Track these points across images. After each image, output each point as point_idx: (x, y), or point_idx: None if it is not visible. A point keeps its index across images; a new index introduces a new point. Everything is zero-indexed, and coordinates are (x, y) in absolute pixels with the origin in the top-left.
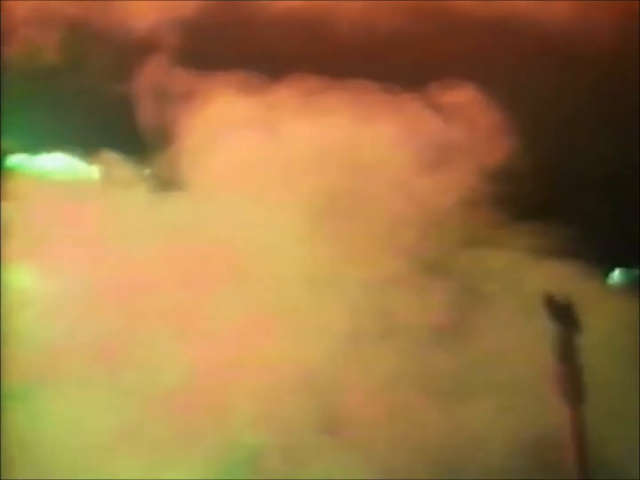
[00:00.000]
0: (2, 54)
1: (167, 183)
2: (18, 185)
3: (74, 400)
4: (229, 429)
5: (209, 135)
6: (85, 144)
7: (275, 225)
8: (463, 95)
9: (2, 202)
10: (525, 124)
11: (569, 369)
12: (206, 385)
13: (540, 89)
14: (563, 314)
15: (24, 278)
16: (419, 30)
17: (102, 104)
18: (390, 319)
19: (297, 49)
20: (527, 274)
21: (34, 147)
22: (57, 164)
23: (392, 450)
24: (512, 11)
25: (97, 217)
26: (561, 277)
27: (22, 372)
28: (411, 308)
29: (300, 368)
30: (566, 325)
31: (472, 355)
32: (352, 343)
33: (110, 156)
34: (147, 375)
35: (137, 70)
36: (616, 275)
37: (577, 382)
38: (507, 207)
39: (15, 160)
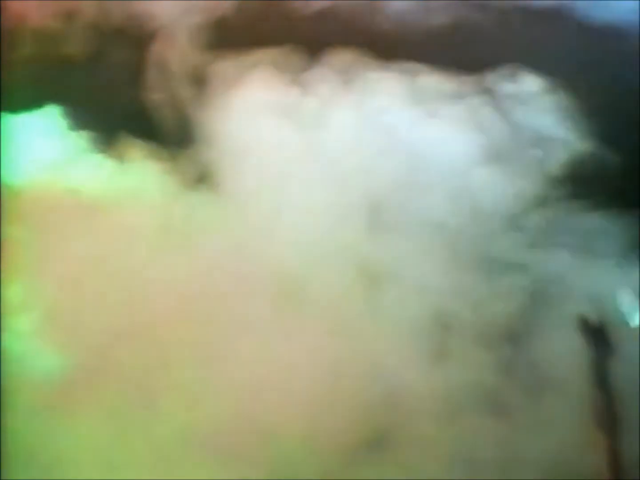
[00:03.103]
0: (2, 53)
1: (195, 180)
2: (22, 195)
3: (100, 430)
4: (272, 452)
5: (242, 122)
6: (102, 137)
7: (323, 223)
8: (528, 85)
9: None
10: (594, 118)
11: (603, 394)
12: (249, 404)
13: (611, 82)
14: (597, 336)
15: (32, 296)
16: (476, 17)
17: (123, 95)
18: (446, 327)
19: (341, 27)
20: (592, 276)
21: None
22: (71, 157)
23: (439, 468)
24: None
25: (117, 221)
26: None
27: (34, 401)
28: (469, 315)
29: (350, 383)
30: (600, 349)
31: (525, 367)
32: (405, 355)
33: (129, 149)
34: (185, 401)
35: (159, 55)
36: None
37: (611, 408)
38: (573, 205)
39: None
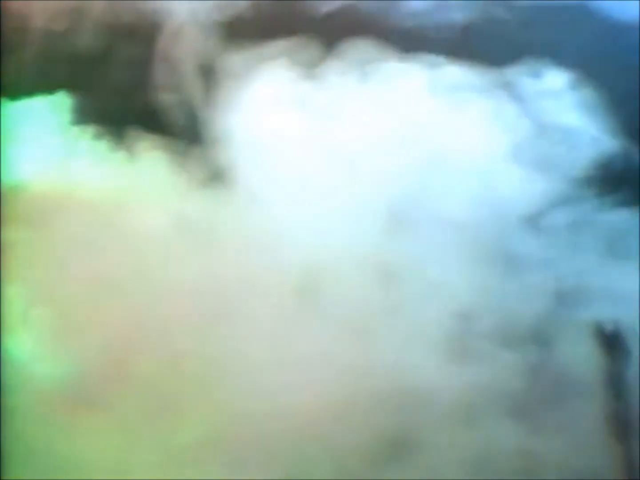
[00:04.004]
0: (2, 53)
1: (208, 178)
2: (25, 192)
3: (112, 439)
4: (290, 456)
5: (255, 117)
6: (111, 131)
7: (340, 221)
8: (553, 81)
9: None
10: (621, 115)
11: (617, 402)
12: (268, 407)
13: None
14: (612, 344)
15: (40, 299)
16: (498, 14)
17: (132, 90)
18: (466, 328)
19: (358, 21)
20: (617, 277)
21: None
22: (77, 152)
23: (458, 470)
24: None
25: (127, 220)
26: None
27: (41, 408)
28: (490, 316)
29: (368, 385)
30: (615, 357)
31: (547, 370)
32: (425, 356)
33: (139, 144)
34: (202, 406)
35: (170, 50)
36: None
37: (625, 416)
38: (599, 204)
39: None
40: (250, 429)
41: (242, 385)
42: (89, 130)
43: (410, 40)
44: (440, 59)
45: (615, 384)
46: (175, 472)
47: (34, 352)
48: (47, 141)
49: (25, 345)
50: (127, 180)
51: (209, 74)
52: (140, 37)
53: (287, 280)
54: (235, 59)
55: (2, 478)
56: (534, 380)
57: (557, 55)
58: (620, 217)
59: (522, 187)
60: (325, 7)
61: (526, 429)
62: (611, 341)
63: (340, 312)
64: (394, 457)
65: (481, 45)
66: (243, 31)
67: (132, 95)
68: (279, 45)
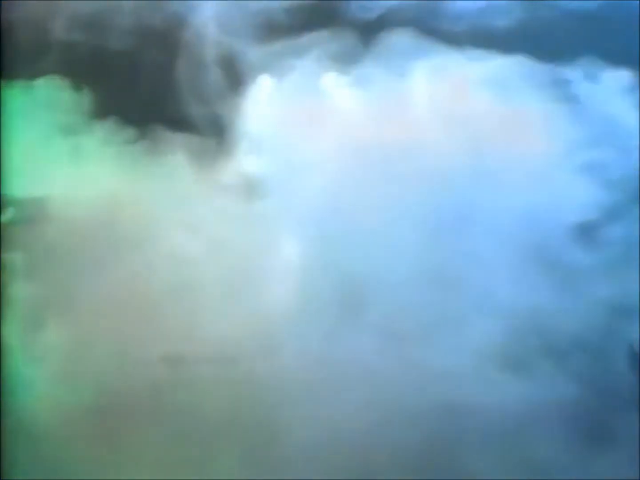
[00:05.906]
0: (2, 53)
1: (236, 181)
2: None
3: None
4: (329, 469)
5: (286, 114)
6: (132, 130)
7: (385, 230)
8: (612, 83)
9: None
10: None
11: None
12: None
13: None
14: None
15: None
16: (548, 15)
17: (161, 91)
18: (516, 338)
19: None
20: None
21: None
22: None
23: None
24: None
25: (155, 237)
26: None
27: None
28: (542, 327)
29: (413, 395)
30: None
31: (601, 383)
32: (473, 367)
33: (162, 144)
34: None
35: (196, 48)
36: None
37: None
38: None
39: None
40: (291, 450)
41: (282, 405)
42: (109, 130)
43: (456, 35)
44: (490, 54)
45: None
46: None
47: (46, 372)
48: (62, 141)
49: (35, 367)
50: (148, 183)
51: (236, 71)
52: (165, 38)
53: (330, 291)
54: (265, 53)
55: (2, 478)
56: (585, 394)
57: (616, 56)
58: None
59: (576, 194)
60: (368, 14)
61: (576, 443)
62: None
63: (384, 322)
64: (441, 469)
65: (535, 44)
66: (274, 26)
67: (156, 95)
68: (313, 37)
